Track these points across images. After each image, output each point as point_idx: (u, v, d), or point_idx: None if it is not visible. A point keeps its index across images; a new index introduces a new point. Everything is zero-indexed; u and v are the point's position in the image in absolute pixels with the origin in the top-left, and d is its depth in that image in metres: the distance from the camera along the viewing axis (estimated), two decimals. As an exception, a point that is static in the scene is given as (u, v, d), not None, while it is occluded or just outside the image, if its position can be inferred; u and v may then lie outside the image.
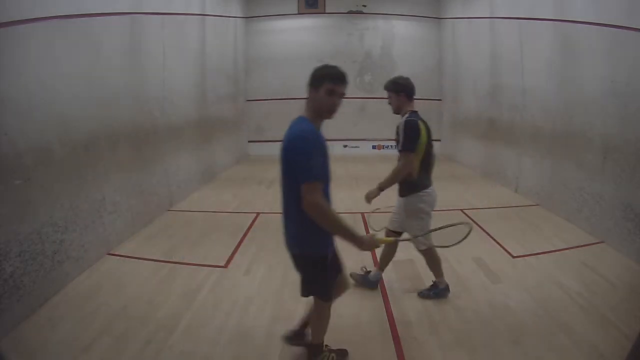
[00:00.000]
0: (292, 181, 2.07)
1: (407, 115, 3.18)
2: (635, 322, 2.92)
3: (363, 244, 2.15)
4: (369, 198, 3.29)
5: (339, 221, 2.10)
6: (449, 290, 3.42)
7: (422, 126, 3.13)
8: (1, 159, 2.93)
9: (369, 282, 3.59)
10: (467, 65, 9.51)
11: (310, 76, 2.21)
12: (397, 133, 3.19)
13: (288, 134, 2.12)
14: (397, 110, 3.26)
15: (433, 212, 3.33)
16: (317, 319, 2.49)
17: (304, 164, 2.02)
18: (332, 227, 2.11)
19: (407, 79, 3.28)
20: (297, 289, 3.45)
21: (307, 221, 2.07)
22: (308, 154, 2.03)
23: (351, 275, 3.61)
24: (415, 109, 3.25)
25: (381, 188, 3.22)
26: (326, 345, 2.59)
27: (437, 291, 3.41)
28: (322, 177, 2.10)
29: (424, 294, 3.43)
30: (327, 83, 2.16)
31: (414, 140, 3.07)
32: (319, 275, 2.32)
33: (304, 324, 2.69)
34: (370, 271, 3.66)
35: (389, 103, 3.30)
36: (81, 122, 3.90)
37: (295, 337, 2.68)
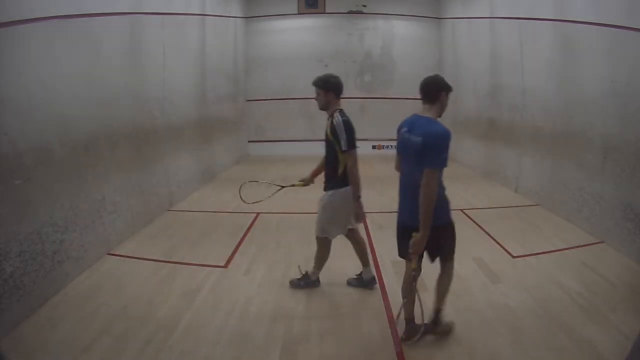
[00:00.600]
0: (420, 166, 2.49)
1: (338, 114, 3.28)
2: (635, 322, 2.92)
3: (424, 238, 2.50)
4: (361, 217, 3.39)
5: (432, 208, 2.46)
6: (319, 282, 3.58)
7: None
8: (1, 159, 2.93)
9: (365, 283, 3.60)
10: (467, 65, 9.51)
11: (442, 82, 2.74)
12: (331, 133, 3.26)
13: (429, 129, 2.52)
14: (324, 107, 3.35)
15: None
16: (450, 280, 2.85)
17: (436, 155, 2.46)
18: (428, 209, 2.45)
19: (337, 78, 3.35)
20: (296, 289, 3.45)
21: (440, 197, 2.53)
22: (446, 148, 2.48)
23: (348, 282, 3.67)
24: (341, 107, 3.35)
25: (358, 196, 3.30)
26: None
27: (309, 282, 3.58)
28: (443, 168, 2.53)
29: (294, 282, 3.60)
30: (448, 91, 2.72)
31: (354, 138, 3.23)
32: (454, 236, 2.76)
33: (437, 310, 2.86)
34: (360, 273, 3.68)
35: (316, 99, 3.36)
36: (81, 122, 3.90)
37: (436, 326, 2.84)
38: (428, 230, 2.47)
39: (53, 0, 3.53)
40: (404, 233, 2.68)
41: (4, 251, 2.92)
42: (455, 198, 6.52)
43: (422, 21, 11.46)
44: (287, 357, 2.69)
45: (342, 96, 3.34)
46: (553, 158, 5.86)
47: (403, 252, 2.71)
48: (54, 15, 3.50)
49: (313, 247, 4.51)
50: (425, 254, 2.70)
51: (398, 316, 2.85)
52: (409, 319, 2.79)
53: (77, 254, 3.79)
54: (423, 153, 2.48)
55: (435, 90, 2.68)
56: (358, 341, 2.85)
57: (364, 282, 3.60)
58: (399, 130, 2.76)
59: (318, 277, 3.61)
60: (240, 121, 10.74)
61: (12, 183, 3.01)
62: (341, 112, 3.32)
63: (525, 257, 4.23)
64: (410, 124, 2.65)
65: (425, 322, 2.74)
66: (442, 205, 2.58)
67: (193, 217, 5.74)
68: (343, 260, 4.22)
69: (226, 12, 9.36)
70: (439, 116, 2.67)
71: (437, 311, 2.84)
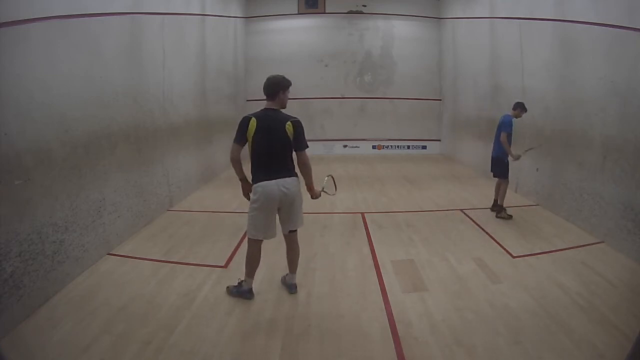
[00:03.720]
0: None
1: (285, 113, 3.38)
2: (635, 322, 2.92)
3: None
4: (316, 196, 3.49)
5: None
6: (252, 294, 3.39)
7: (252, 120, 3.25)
8: (1, 159, 2.92)
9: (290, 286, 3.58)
10: (467, 65, 9.52)
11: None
12: (293, 132, 3.26)
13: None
14: (285, 106, 3.42)
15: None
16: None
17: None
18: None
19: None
20: (297, 289, 3.44)
21: None
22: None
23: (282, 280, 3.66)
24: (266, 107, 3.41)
25: (310, 187, 3.40)
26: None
27: (241, 290, 3.39)
28: None
29: (229, 289, 3.47)
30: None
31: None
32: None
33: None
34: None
35: (285, 100, 3.43)
36: (81, 122, 3.90)
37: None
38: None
39: (53, 0, 3.53)
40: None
41: (4, 251, 2.92)
42: (455, 198, 6.56)
43: (422, 21, 11.48)
44: (287, 357, 2.69)
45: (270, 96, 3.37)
46: (553, 158, 5.86)
47: None
48: (54, 15, 3.50)
49: (313, 247, 4.53)
50: None
51: None
52: None
53: (77, 254, 3.78)
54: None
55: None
56: (358, 341, 2.85)
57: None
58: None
59: (251, 288, 3.42)
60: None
61: (12, 183, 3.01)
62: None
63: (525, 257, 4.23)
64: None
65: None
66: None
67: (193, 217, 5.74)
68: (344, 260, 4.22)
69: (226, 12, 9.35)
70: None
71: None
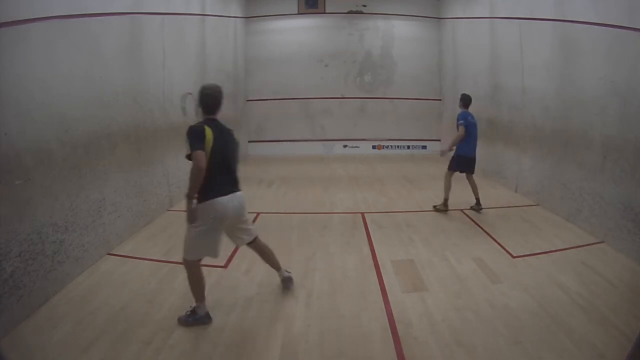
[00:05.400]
0: None
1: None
2: (635, 322, 2.92)
3: None
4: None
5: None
6: (210, 318, 3.07)
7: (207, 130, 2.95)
8: (1, 159, 2.92)
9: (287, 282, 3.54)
10: (467, 65, 9.51)
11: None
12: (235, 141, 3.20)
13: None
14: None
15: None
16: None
17: None
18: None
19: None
20: (296, 289, 3.47)
21: None
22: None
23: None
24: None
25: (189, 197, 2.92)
26: None
27: (197, 317, 3.04)
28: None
29: (182, 320, 3.05)
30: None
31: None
32: None
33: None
34: None
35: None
36: (81, 122, 3.90)
37: None
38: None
39: (53, 0, 3.53)
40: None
41: (4, 251, 2.92)
42: (455, 198, 6.57)
43: (422, 21, 11.47)
44: (287, 357, 2.70)
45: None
46: (553, 158, 5.86)
47: None
48: (54, 15, 3.50)
49: (313, 247, 4.53)
50: None
51: None
52: None
53: (77, 254, 3.79)
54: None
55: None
56: (358, 341, 2.85)
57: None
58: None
59: (207, 311, 3.10)
60: (240, 121, 10.74)
61: (12, 183, 3.01)
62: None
63: (525, 257, 4.23)
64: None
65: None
66: None
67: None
68: (344, 260, 4.22)
69: (226, 12, 9.35)
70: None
71: None
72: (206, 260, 4.18)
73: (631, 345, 2.43)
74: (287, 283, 3.54)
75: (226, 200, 3.02)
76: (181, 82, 6.70)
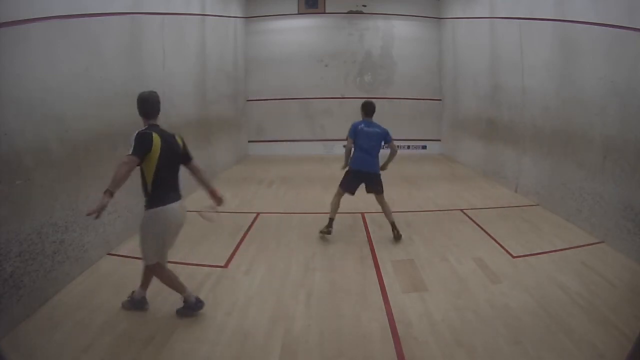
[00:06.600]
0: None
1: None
2: (635, 322, 2.92)
3: None
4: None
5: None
6: (201, 302, 3.14)
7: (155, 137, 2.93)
8: (1, 159, 2.92)
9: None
10: (467, 65, 9.52)
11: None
12: (183, 145, 3.16)
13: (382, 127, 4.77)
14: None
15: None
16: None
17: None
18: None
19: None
20: (296, 289, 3.47)
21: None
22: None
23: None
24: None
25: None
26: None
27: (188, 306, 3.12)
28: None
29: (178, 311, 3.13)
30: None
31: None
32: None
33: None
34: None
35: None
36: (81, 122, 3.90)
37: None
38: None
39: (53, 0, 3.53)
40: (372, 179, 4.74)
41: (4, 251, 2.92)
42: (455, 198, 6.56)
43: (422, 21, 11.46)
44: (287, 357, 2.70)
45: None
46: (553, 158, 5.86)
47: None
48: (54, 15, 3.49)
49: (313, 247, 4.53)
50: None
51: None
52: None
53: (77, 254, 3.78)
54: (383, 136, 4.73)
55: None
56: (358, 341, 2.85)
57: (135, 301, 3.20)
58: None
59: (196, 297, 3.16)
60: (240, 121, 10.74)
61: (12, 183, 3.01)
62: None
63: (525, 257, 4.23)
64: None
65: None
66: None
67: (193, 217, 5.72)
68: (344, 260, 4.22)
69: (226, 12, 9.35)
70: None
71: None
72: (206, 260, 4.21)
73: (631, 345, 2.43)
74: (187, 311, 3.17)
75: (177, 207, 3.09)
76: (181, 82, 6.70)
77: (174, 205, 3.07)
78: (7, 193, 2.96)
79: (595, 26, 4.71)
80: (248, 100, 11.28)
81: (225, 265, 4.10)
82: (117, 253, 4.33)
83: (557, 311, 3.17)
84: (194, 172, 3.25)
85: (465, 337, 2.87)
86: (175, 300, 3.40)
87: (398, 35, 11.54)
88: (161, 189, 3.01)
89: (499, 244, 4.60)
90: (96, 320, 3.07)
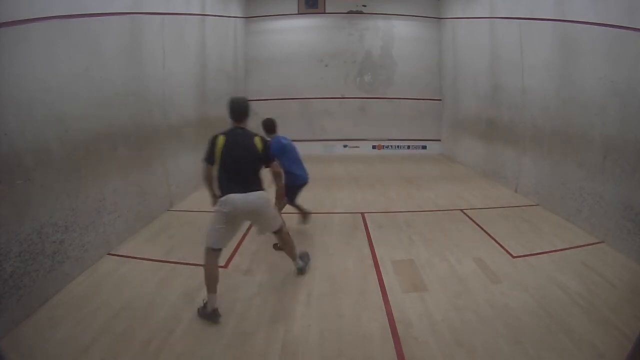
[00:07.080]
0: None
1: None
2: (635, 322, 2.92)
3: None
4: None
5: None
6: (216, 316, 3.09)
7: (220, 138, 3.27)
8: (1, 159, 2.93)
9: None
10: (467, 65, 9.52)
11: None
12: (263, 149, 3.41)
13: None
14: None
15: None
16: None
17: None
18: None
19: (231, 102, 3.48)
20: (296, 289, 3.47)
21: None
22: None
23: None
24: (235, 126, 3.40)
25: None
26: None
27: (204, 313, 3.14)
28: None
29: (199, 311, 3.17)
30: None
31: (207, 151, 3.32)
32: None
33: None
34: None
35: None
36: (81, 122, 3.90)
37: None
38: None
39: (53, 0, 3.53)
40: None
41: (4, 251, 2.92)
42: (455, 198, 6.56)
43: (422, 21, 11.47)
44: (287, 357, 2.70)
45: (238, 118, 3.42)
46: (553, 158, 5.86)
47: None
48: (54, 15, 3.50)
49: (313, 247, 4.53)
50: None
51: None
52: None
53: (77, 254, 3.79)
54: None
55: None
56: (358, 341, 2.86)
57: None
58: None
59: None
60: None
61: (12, 183, 3.01)
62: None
63: (525, 257, 4.23)
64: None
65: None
66: None
67: (193, 217, 5.73)
68: (344, 260, 4.22)
69: (226, 12, 9.35)
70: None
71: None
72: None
73: (631, 345, 2.44)
74: (300, 270, 3.86)
75: (237, 198, 3.23)
76: (181, 82, 6.70)
77: (235, 196, 3.22)
78: (7, 193, 2.96)
79: (595, 26, 4.71)
80: (248, 100, 11.28)
81: (225, 266, 4.09)
82: (117, 253, 4.33)
83: (557, 311, 3.17)
84: (272, 174, 3.51)
85: (465, 337, 2.87)
86: (175, 300, 3.41)
87: (398, 35, 11.54)
88: (224, 183, 3.26)
89: (499, 244, 4.60)
90: (96, 320, 3.07)
